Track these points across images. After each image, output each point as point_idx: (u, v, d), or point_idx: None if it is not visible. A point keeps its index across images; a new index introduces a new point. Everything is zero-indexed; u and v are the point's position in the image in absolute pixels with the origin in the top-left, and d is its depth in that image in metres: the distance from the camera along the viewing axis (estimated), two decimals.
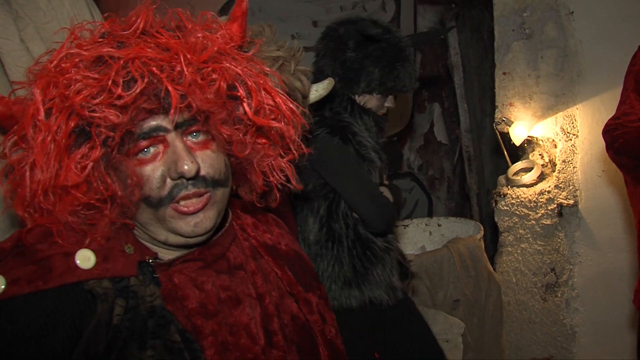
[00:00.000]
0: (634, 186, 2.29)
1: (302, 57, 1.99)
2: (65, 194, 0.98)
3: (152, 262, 1.08)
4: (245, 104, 1.08)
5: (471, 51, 4.88)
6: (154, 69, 0.95)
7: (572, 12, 3.20)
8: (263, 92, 1.10)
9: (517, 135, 3.37)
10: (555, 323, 3.45)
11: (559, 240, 3.35)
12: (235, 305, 1.12)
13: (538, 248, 3.41)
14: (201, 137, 1.06)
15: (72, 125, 0.95)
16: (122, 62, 0.93)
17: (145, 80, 0.94)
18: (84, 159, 0.96)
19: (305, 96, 1.94)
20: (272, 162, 1.18)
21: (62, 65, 0.96)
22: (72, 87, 0.92)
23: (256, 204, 1.24)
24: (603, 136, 2.35)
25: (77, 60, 0.96)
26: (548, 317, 3.46)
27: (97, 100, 0.92)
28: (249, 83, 1.07)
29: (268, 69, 1.15)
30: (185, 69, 0.96)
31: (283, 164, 1.19)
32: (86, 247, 1.01)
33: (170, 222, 1.04)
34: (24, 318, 0.91)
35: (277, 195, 1.21)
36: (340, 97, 2.36)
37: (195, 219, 1.05)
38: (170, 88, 0.95)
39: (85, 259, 0.99)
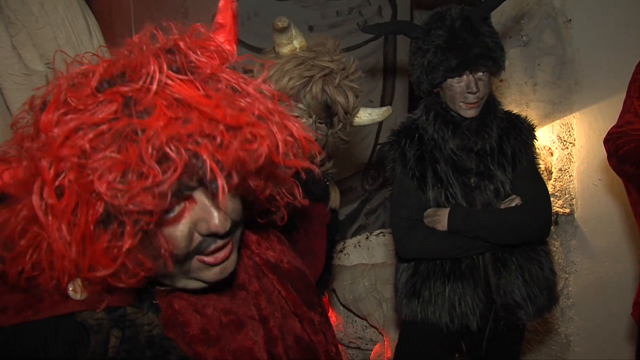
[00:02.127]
0: (637, 195, 2.27)
1: (357, 75, 2.02)
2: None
3: (150, 288, 1.03)
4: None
5: None
6: (191, 146, 0.81)
7: (570, 20, 3.19)
8: (286, 133, 1.00)
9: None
10: (550, 332, 3.44)
11: (555, 248, 3.34)
12: (238, 329, 1.08)
13: None
14: None
15: (100, 212, 0.81)
16: (145, 140, 0.78)
17: (183, 159, 0.80)
18: (114, 243, 0.83)
19: (347, 112, 1.98)
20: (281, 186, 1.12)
21: (75, 141, 0.80)
22: (93, 171, 0.78)
23: (259, 221, 1.20)
24: (605, 144, 2.33)
25: (91, 136, 0.79)
26: (543, 326, 3.45)
27: (126, 188, 0.78)
28: (275, 131, 0.95)
29: (278, 93, 1.07)
30: (226, 141, 0.83)
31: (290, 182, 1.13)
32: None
33: (195, 273, 0.98)
34: (12, 351, 0.86)
35: (285, 214, 1.16)
36: None
37: (221, 266, 0.99)
38: (215, 170, 0.82)
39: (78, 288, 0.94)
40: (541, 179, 2.38)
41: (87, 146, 0.79)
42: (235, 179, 0.88)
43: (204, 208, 0.91)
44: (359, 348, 3.56)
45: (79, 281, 0.93)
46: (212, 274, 0.99)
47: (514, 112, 2.45)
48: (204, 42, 0.97)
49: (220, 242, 0.96)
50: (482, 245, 2.23)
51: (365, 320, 3.53)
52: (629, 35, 3.03)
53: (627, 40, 3.02)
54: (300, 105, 1.94)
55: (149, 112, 0.81)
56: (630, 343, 3.15)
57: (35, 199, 0.81)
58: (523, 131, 2.34)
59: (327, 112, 1.98)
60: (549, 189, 3.31)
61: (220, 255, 0.98)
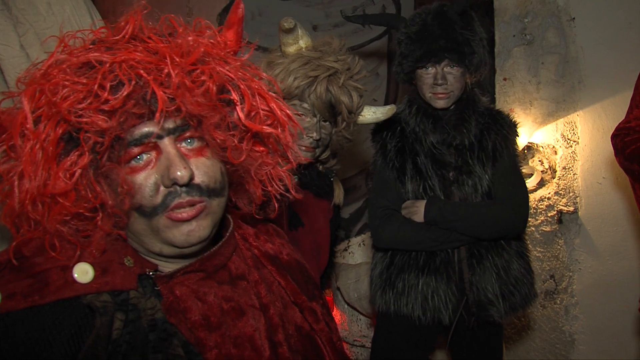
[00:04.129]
0: None
1: (361, 74, 2.05)
2: (54, 203, 0.95)
3: (152, 274, 1.06)
4: (238, 108, 1.05)
5: None
6: (141, 71, 0.93)
7: (574, 19, 3.20)
8: (257, 97, 1.08)
9: (517, 141, 3.36)
10: (554, 330, 3.44)
11: (559, 247, 3.34)
12: (239, 316, 1.10)
13: (537, 255, 3.40)
14: (196, 144, 1.03)
15: (60, 132, 0.93)
16: (108, 65, 0.92)
17: (132, 83, 0.92)
18: (72, 167, 0.94)
19: (351, 112, 2.00)
20: (271, 171, 1.15)
21: (50, 72, 0.95)
22: (59, 93, 0.91)
23: (255, 216, 1.22)
24: (612, 140, 2.30)
25: (64, 66, 0.94)
26: (547, 324, 3.45)
27: (83, 105, 0.91)
28: (242, 87, 1.05)
29: (264, 74, 1.14)
30: (172, 71, 0.94)
31: (282, 173, 1.17)
32: (84, 260, 0.98)
33: (164, 232, 1.01)
34: (20, 334, 0.89)
35: (276, 205, 1.19)
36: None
37: (188, 226, 1.02)
38: (157, 90, 0.93)
39: (83, 272, 0.97)
40: (520, 176, 2.39)
41: (58, 74, 0.93)
42: (184, 108, 0.96)
43: (168, 157, 0.99)
44: (363, 346, 3.57)
45: (84, 264, 0.98)
46: (180, 234, 1.01)
47: (496, 108, 2.46)
48: (203, 30, 1.08)
49: (185, 198, 1.00)
50: (457, 238, 2.25)
51: (370, 318, 3.54)
52: (632, 34, 3.04)
53: (630, 39, 3.03)
54: (305, 105, 1.96)
55: (119, 52, 0.96)
56: (635, 341, 3.16)
57: (16, 126, 0.93)
58: (504, 126, 2.34)
59: (331, 112, 2.01)
60: (553, 187, 3.32)
61: (187, 211, 1.01)
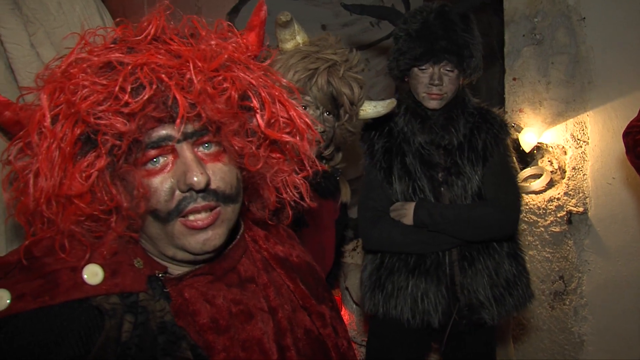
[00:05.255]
0: None
1: (360, 67, 2.06)
2: (69, 203, 0.95)
3: (162, 276, 1.05)
4: (258, 116, 1.05)
5: None
6: (163, 76, 0.92)
7: (584, 18, 3.18)
8: (278, 105, 1.07)
9: (527, 141, 3.34)
10: (563, 331, 3.42)
11: (568, 247, 3.32)
12: (247, 319, 1.10)
13: (547, 255, 3.38)
14: (213, 149, 1.02)
15: (78, 132, 0.92)
16: (130, 67, 0.91)
17: (154, 87, 0.91)
18: (89, 168, 0.94)
19: (353, 103, 2.01)
20: (286, 178, 1.14)
21: (70, 70, 0.94)
22: (79, 93, 0.90)
23: (267, 222, 1.22)
24: (623, 138, 2.29)
25: (85, 65, 0.93)
26: (556, 325, 3.43)
27: (103, 107, 0.90)
28: (263, 94, 1.04)
29: (285, 80, 1.13)
30: (194, 77, 0.93)
31: (297, 180, 1.16)
32: (94, 262, 0.98)
33: (179, 239, 1.01)
34: (30, 335, 0.89)
35: (290, 212, 1.18)
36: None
37: (204, 235, 1.01)
38: (178, 96, 0.92)
39: (92, 274, 0.96)
40: (511, 176, 2.35)
41: (79, 73, 0.92)
42: (204, 115, 0.95)
43: (185, 162, 0.98)
44: None
45: (94, 266, 0.97)
46: (195, 242, 1.01)
47: (485, 106, 2.43)
48: (224, 33, 1.07)
49: (201, 202, 0.99)
50: (447, 241, 2.23)
51: None
52: None
53: None
54: (307, 98, 1.97)
55: (141, 53, 0.95)
56: None
57: (33, 123, 0.93)
58: (494, 125, 2.32)
59: (333, 104, 2.01)
60: (562, 187, 3.30)
61: (203, 218, 1.00)
